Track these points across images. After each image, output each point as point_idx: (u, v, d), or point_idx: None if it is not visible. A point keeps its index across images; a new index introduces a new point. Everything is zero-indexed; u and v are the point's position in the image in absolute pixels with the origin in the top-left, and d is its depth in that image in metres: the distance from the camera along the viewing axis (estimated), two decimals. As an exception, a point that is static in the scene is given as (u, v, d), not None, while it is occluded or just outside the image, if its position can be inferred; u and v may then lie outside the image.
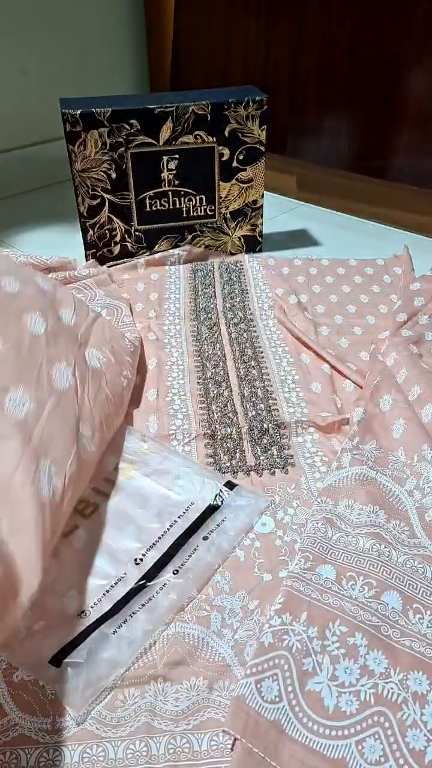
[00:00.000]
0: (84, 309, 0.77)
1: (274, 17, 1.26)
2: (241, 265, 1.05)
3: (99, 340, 0.73)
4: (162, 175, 1.00)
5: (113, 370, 0.71)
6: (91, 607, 0.51)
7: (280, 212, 1.33)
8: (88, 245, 1.04)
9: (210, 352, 0.84)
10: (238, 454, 0.68)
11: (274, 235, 1.20)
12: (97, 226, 1.02)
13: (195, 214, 1.06)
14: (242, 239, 1.11)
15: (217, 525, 0.58)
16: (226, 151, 1.01)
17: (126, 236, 1.05)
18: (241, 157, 1.02)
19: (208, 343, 0.86)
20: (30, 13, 1.31)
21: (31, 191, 1.45)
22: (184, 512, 0.59)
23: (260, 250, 1.13)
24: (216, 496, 0.61)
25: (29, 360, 0.61)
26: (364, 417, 0.68)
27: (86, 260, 1.05)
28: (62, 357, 0.64)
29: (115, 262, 1.06)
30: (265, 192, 1.08)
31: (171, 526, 0.58)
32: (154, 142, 0.97)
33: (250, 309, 0.94)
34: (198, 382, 0.79)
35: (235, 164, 1.03)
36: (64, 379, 0.62)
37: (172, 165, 1.00)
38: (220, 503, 0.60)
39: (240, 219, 1.09)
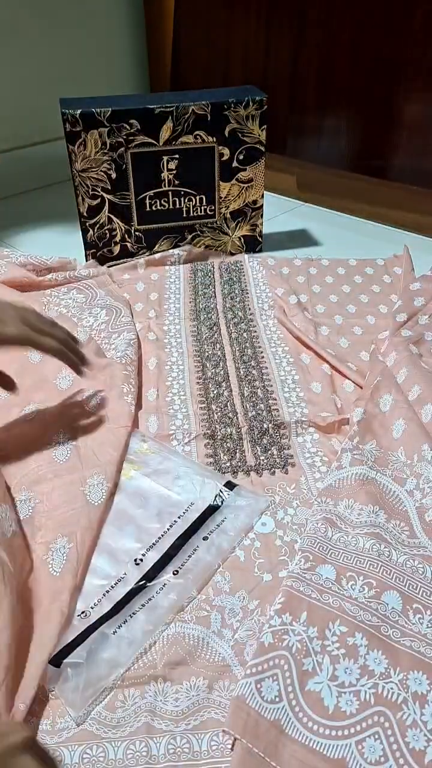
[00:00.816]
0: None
1: (274, 17, 1.26)
2: (241, 265, 1.05)
3: (99, 383, 0.74)
4: (162, 175, 1.00)
5: (113, 395, 0.72)
6: (92, 608, 0.51)
7: (280, 212, 1.33)
8: (88, 245, 1.04)
9: (210, 352, 0.84)
10: (238, 454, 0.68)
11: (274, 235, 1.20)
12: (97, 226, 1.02)
13: (195, 214, 1.06)
14: (242, 239, 1.11)
15: (217, 525, 0.58)
16: (226, 151, 1.01)
17: (126, 236, 1.05)
18: (241, 157, 1.02)
19: (208, 343, 0.86)
20: (30, 13, 1.31)
21: (31, 191, 1.45)
22: (184, 512, 0.59)
23: (260, 250, 1.13)
24: (216, 496, 0.61)
25: (26, 451, 0.65)
26: (364, 417, 0.68)
27: (86, 260, 1.05)
28: (60, 432, 0.67)
29: (115, 262, 1.06)
30: (265, 192, 1.08)
31: (171, 526, 0.58)
32: (154, 142, 0.97)
33: (250, 309, 0.94)
34: (198, 382, 0.79)
35: (235, 164, 1.03)
36: (65, 451, 0.64)
37: (172, 165, 1.00)
38: (220, 503, 0.60)
39: (240, 219, 1.09)
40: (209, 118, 0.97)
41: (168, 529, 0.58)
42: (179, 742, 0.43)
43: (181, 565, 0.54)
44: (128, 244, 1.06)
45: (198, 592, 0.53)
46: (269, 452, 0.68)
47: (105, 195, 1.00)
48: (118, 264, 1.05)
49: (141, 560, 0.55)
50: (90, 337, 0.80)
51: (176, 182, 1.02)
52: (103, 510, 0.59)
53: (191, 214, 1.06)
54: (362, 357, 0.83)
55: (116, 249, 1.06)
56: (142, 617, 0.50)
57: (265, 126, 1.00)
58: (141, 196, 1.01)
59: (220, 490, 0.62)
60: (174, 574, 0.53)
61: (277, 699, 0.44)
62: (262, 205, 1.09)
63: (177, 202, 1.04)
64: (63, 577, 0.52)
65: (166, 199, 1.03)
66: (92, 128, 0.93)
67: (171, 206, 1.04)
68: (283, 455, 0.68)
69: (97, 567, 0.54)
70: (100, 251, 1.05)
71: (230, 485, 0.63)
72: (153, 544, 0.56)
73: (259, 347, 0.85)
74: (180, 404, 0.75)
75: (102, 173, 0.98)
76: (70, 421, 0.68)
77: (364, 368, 0.79)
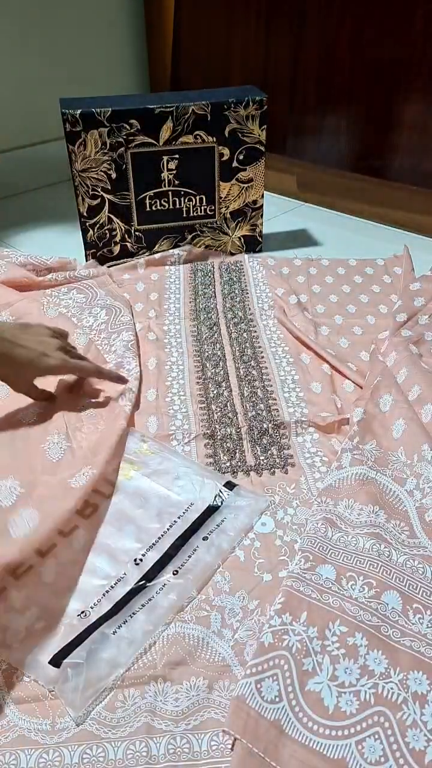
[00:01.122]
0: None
1: (274, 17, 1.26)
2: (241, 265, 1.05)
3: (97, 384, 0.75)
4: (162, 175, 1.00)
5: (111, 395, 0.72)
6: (91, 608, 0.51)
7: (280, 212, 1.33)
8: (88, 245, 1.04)
9: (210, 352, 0.84)
10: (237, 454, 0.68)
11: (274, 235, 1.20)
12: (97, 226, 1.02)
13: (195, 214, 1.06)
14: (242, 239, 1.11)
15: (217, 525, 0.58)
16: (226, 151, 1.01)
17: (126, 236, 1.05)
18: (241, 157, 1.02)
19: (208, 343, 0.86)
20: (30, 13, 1.31)
21: (31, 191, 1.45)
22: (183, 512, 0.59)
23: (260, 250, 1.13)
24: (216, 496, 0.61)
25: (23, 446, 0.65)
26: (364, 417, 0.68)
27: (86, 260, 1.05)
28: (56, 433, 0.67)
29: (115, 262, 1.06)
30: (265, 192, 1.08)
31: (171, 526, 0.58)
32: (154, 142, 0.97)
33: (250, 309, 0.94)
34: (198, 382, 0.79)
35: (235, 164, 1.03)
36: (58, 450, 0.65)
37: (172, 165, 1.00)
38: (219, 503, 0.60)
39: (240, 219, 1.09)
40: (209, 118, 0.97)
41: (168, 529, 0.58)
42: (179, 742, 0.43)
43: (181, 565, 0.54)
44: (128, 244, 1.06)
45: (198, 592, 0.53)
46: (269, 452, 0.68)
47: (105, 195, 1.00)
48: (118, 264, 1.05)
49: (141, 560, 0.55)
50: (90, 341, 0.80)
51: (176, 182, 1.02)
52: (77, 494, 0.58)
53: (191, 214, 1.06)
54: (362, 357, 0.83)
55: (116, 249, 1.06)
56: (142, 617, 0.50)
57: (265, 126, 1.00)
58: (141, 196, 1.01)
59: (220, 490, 0.62)
60: (174, 574, 0.53)
61: (277, 699, 0.44)
62: (262, 205, 1.09)
63: (177, 202, 1.04)
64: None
65: (166, 199, 1.03)
66: (92, 128, 0.93)
67: (171, 206, 1.04)
68: (283, 455, 0.68)
69: (97, 567, 0.54)
70: (100, 251, 1.05)
71: (230, 485, 0.62)
72: (153, 544, 0.56)
73: (259, 347, 0.85)
74: (180, 404, 0.75)
75: (102, 173, 0.98)
76: (66, 421, 0.68)
77: (364, 368, 0.79)
